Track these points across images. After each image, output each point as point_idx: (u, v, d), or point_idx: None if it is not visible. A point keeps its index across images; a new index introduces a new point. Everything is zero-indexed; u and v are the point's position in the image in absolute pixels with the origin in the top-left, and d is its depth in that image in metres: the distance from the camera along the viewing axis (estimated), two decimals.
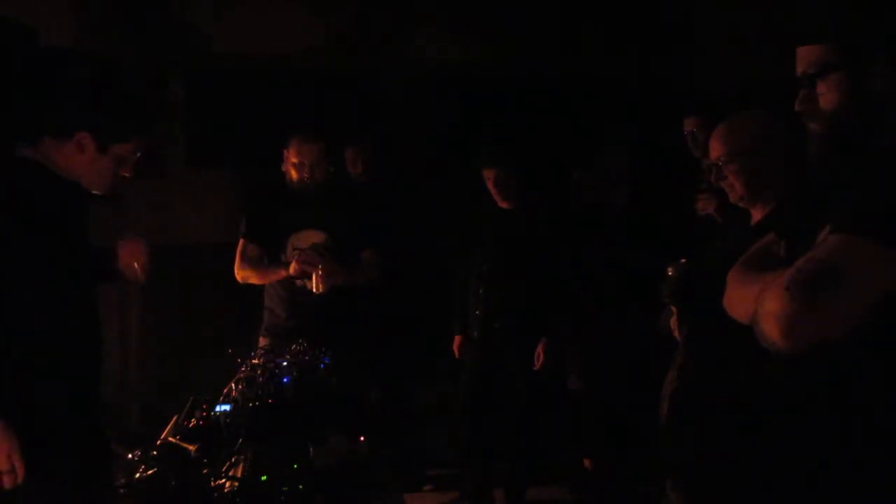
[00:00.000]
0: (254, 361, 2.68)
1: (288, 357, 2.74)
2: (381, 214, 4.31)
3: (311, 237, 3.73)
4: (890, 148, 1.46)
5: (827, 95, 1.51)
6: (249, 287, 3.89)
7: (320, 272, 3.53)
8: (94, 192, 2.29)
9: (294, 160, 3.71)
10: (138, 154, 2.30)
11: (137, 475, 2.23)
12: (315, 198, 3.71)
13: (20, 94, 2.25)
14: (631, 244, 4.10)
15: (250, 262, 3.75)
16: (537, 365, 4.16)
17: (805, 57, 1.55)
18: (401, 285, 4.54)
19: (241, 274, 3.76)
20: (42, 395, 2.10)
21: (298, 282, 3.69)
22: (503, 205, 4.31)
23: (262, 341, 3.70)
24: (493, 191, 4.28)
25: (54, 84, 2.19)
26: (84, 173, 2.22)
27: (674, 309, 2.68)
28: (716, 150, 2.39)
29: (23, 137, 2.17)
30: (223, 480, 2.31)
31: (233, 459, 2.37)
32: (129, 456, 2.32)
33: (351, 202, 3.98)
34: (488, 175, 4.26)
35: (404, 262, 4.54)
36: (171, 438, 2.42)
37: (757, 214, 2.37)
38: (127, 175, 2.31)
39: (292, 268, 3.59)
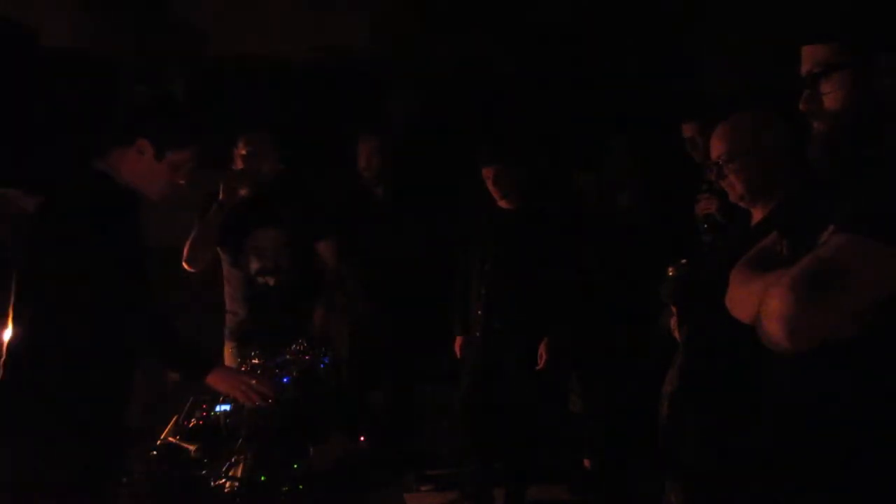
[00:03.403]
0: (254, 361, 2.69)
1: (288, 357, 2.74)
2: (343, 206, 4.40)
3: (270, 234, 3.71)
4: (894, 147, 1.46)
5: (831, 95, 1.51)
6: None
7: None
8: (151, 198, 2.47)
9: (242, 152, 3.71)
10: (192, 163, 2.48)
11: (137, 475, 2.24)
12: (269, 195, 3.70)
13: (89, 109, 2.52)
14: (634, 245, 4.09)
15: None
16: (540, 364, 4.15)
17: (810, 56, 1.54)
18: (404, 284, 4.55)
19: (185, 256, 3.59)
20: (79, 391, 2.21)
21: (260, 279, 3.69)
22: (503, 204, 4.31)
23: (228, 345, 3.69)
24: (492, 189, 4.28)
25: (119, 96, 2.42)
26: (142, 180, 2.41)
27: (674, 309, 2.68)
28: (717, 149, 2.38)
29: (95, 150, 2.37)
30: (223, 480, 2.31)
31: (233, 459, 2.37)
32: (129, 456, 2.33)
33: (304, 195, 3.96)
34: (487, 173, 4.26)
35: (407, 261, 4.55)
36: (171, 438, 2.43)
37: (757, 214, 2.36)
38: (181, 183, 2.49)
39: (221, 194, 3.52)
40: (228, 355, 3.68)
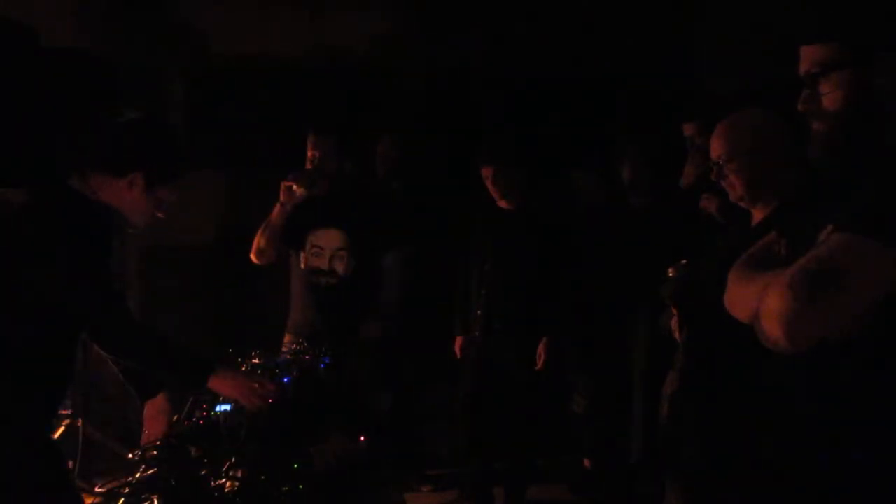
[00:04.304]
0: (254, 361, 2.68)
1: (288, 357, 2.74)
2: (401, 214, 4.46)
3: (330, 235, 3.79)
4: (893, 147, 1.46)
5: (830, 95, 1.51)
6: (248, 287, 3.91)
7: None
8: (131, 227, 2.45)
9: (308, 154, 3.86)
10: (175, 196, 2.47)
11: (137, 475, 2.23)
12: (334, 195, 3.82)
13: (77, 129, 2.45)
14: (640, 245, 4.08)
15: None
16: (539, 364, 4.15)
17: (808, 56, 1.54)
18: (412, 284, 4.56)
19: (253, 251, 3.80)
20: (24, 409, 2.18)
21: (315, 277, 3.78)
22: (502, 203, 4.31)
23: (287, 338, 3.79)
24: (491, 189, 4.28)
25: (114, 124, 2.39)
26: (127, 209, 2.38)
27: (674, 310, 2.67)
28: (716, 148, 2.38)
29: (73, 169, 2.32)
30: (223, 480, 2.31)
31: (233, 459, 2.37)
32: (129, 456, 2.32)
33: (369, 200, 4.07)
34: (486, 173, 4.26)
35: (416, 260, 4.57)
36: (171, 438, 2.42)
37: (758, 214, 2.36)
38: (161, 216, 2.47)
39: (282, 195, 3.68)
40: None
